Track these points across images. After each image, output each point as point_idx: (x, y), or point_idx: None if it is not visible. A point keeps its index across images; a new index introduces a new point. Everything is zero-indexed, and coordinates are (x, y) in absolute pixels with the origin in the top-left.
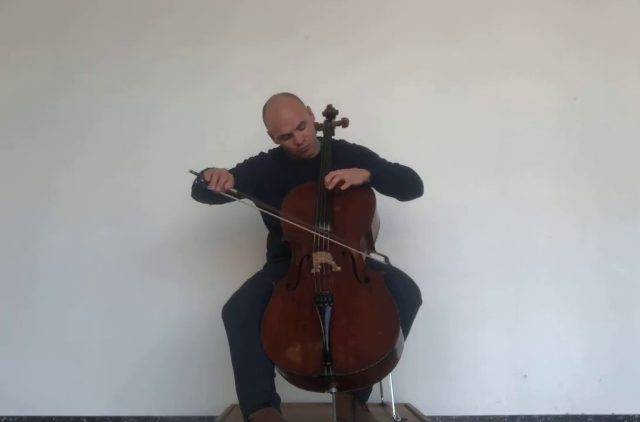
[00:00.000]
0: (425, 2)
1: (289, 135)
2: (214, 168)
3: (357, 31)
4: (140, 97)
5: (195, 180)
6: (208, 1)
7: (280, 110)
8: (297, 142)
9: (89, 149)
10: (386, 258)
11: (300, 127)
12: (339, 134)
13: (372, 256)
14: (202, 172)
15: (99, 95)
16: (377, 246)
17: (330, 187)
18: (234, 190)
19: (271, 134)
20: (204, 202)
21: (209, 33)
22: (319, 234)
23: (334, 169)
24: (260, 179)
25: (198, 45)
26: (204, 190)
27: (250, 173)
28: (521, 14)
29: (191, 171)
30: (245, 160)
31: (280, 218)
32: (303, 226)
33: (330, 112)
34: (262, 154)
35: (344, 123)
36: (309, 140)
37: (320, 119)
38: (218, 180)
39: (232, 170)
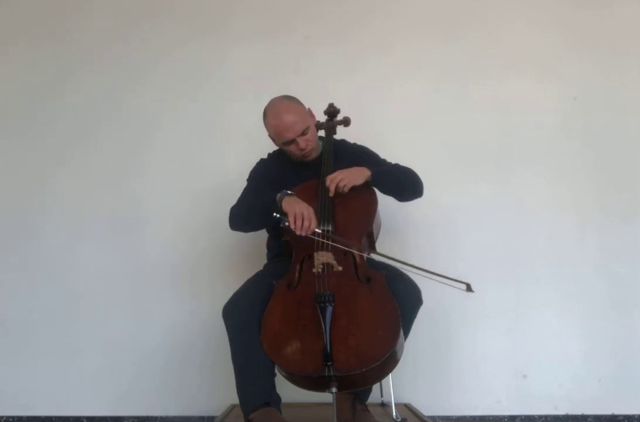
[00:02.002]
0: (425, 2)
1: (292, 141)
2: (290, 198)
3: (357, 31)
4: (140, 97)
5: (280, 224)
6: (208, 1)
7: (282, 116)
8: (300, 147)
9: (89, 149)
10: (468, 286)
11: (303, 133)
12: (340, 133)
13: (450, 283)
14: (274, 203)
15: (99, 95)
16: (378, 246)
17: (331, 194)
18: (318, 231)
19: (273, 139)
20: (243, 232)
21: (209, 33)
22: (321, 239)
23: (335, 169)
24: (267, 182)
25: (198, 45)
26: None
27: (264, 183)
28: (521, 14)
29: (275, 215)
30: (250, 174)
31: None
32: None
33: (331, 111)
34: (262, 160)
35: (346, 122)
36: (312, 145)
37: (321, 117)
38: (302, 225)
39: (251, 188)
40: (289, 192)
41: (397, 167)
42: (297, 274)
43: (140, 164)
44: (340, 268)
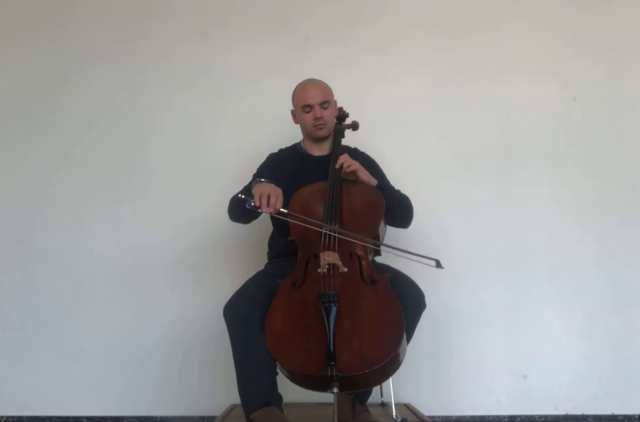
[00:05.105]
0: (425, 1)
1: (311, 108)
2: (259, 184)
3: (357, 29)
4: (140, 96)
5: (245, 205)
6: (207, 1)
7: (310, 86)
8: (316, 115)
9: (89, 148)
10: (437, 262)
11: (323, 106)
12: (348, 136)
13: (420, 259)
14: (249, 191)
15: (98, 95)
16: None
17: (337, 166)
18: (284, 211)
19: (294, 107)
20: (242, 223)
21: (208, 33)
22: (329, 232)
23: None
24: (276, 178)
25: (198, 44)
26: (253, 212)
27: (272, 178)
28: (521, 13)
29: (240, 196)
30: (257, 169)
31: (312, 227)
32: (314, 225)
33: (340, 115)
34: (272, 155)
35: (355, 126)
36: (327, 120)
37: None
38: (269, 202)
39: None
40: (262, 180)
41: (398, 192)
42: (302, 274)
43: (140, 163)
44: (345, 269)
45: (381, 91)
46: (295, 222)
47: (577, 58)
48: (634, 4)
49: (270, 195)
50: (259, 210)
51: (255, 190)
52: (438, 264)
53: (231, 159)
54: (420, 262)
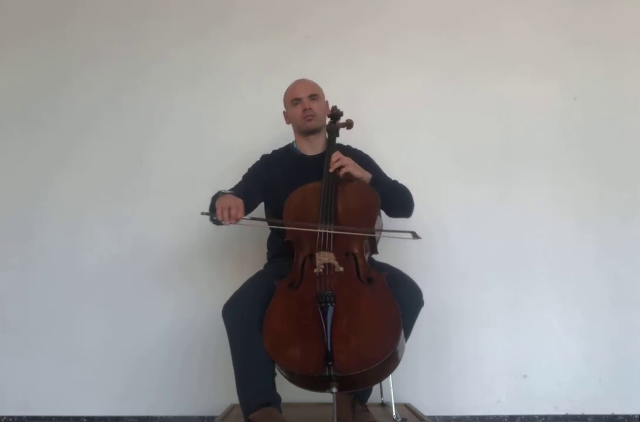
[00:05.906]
0: (425, 1)
1: (299, 100)
2: (221, 197)
3: (357, 30)
4: (140, 96)
5: (210, 220)
6: (207, 1)
7: (299, 83)
8: (305, 107)
9: (89, 148)
10: (414, 234)
11: (311, 97)
12: (343, 135)
13: (396, 235)
14: (213, 205)
15: (98, 95)
16: (379, 245)
17: (331, 171)
18: (247, 217)
19: (285, 106)
20: None
21: (208, 33)
22: (324, 230)
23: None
24: (270, 179)
25: (198, 45)
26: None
27: (259, 180)
28: (521, 13)
29: (203, 213)
30: (249, 169)
31: (288, 228)
32: (307, 227)
33: (334, 114)
34: (266, 156)
35: (349, 125)
36: (316, 111)
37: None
38: (230, 215)
39: (239, 186)
40: (225, 191)
41: (395, 182)
42: (298, 274)
43: (140, 163)
44: (341, 269)
45: (381, 91)
46: (292, 228)
47: (577, 58)
48: (634, 4)
49: (231, 207)
50: (222, 223)
51: (217, 204)
52: (415, 235)
53: (231, 158)
54: (396, 237)
